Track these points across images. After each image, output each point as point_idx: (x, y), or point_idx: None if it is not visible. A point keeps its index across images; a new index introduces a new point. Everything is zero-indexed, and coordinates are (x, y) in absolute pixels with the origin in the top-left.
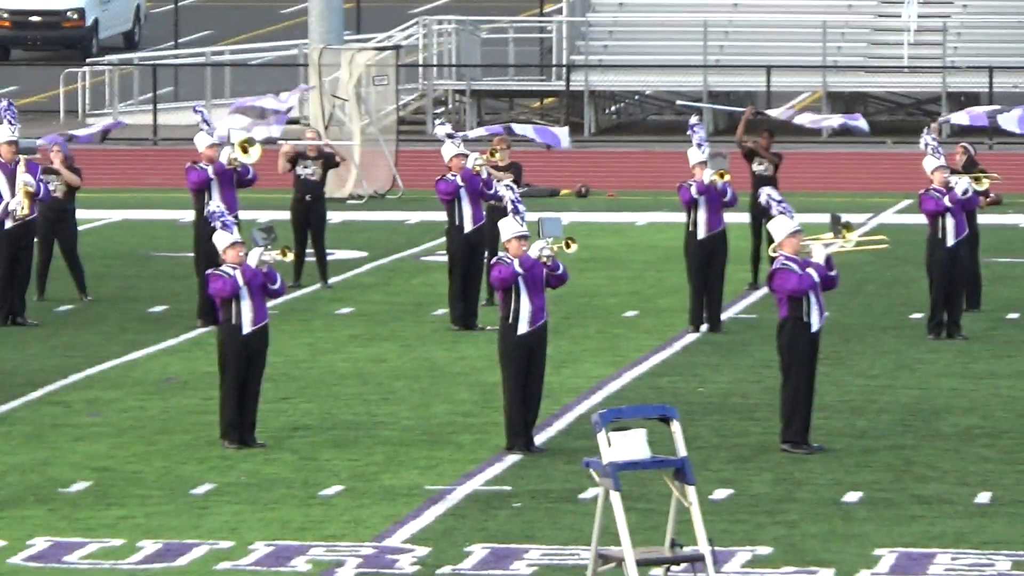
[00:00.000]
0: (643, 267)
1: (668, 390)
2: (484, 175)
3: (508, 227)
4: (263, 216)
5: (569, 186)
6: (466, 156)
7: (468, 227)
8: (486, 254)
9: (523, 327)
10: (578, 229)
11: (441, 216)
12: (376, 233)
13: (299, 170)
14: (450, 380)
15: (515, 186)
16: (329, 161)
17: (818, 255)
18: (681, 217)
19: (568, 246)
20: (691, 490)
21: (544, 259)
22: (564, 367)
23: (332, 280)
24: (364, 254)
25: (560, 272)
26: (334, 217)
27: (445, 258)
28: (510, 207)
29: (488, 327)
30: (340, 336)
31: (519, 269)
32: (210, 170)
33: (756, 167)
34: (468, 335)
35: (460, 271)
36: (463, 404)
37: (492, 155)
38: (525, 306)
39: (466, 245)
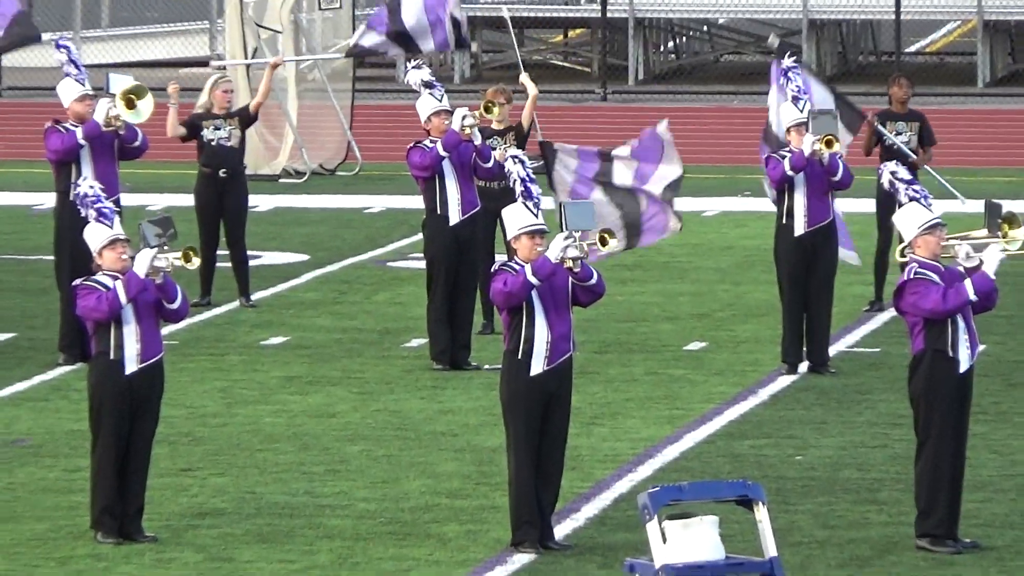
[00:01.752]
0: (713, 278)
1: (750, 458)
2: (478, 141)
3: (515, 218)
4: (157, 202)
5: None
6: (451, 113)
7: (455, 217)
8: (482, 257)
9: (538, 365)
10: None
11: (417, 201)
12: (322, 227)
13: (207, 134)
14: (429, 444)
15: (525, 158)
16: (246, 117)
17: (966, 259)
18: (769, 204)
19: (604, 243)
20: None
21: (569, 264)
22: (598, 424)
23: (256, 295)
24: (304, 257)
25: (593, 283)
26: (260, 203)
27: (423, 263)
28: (518, 189)
29: (486, 365)
30: (268, 378)
31: (532, 279)
32: (79, 133)
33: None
34: (456, 377)
35: (445, 283)
36: (448, 479)
37: (488, 111)
38: (541, 334)
39: (453, 244)
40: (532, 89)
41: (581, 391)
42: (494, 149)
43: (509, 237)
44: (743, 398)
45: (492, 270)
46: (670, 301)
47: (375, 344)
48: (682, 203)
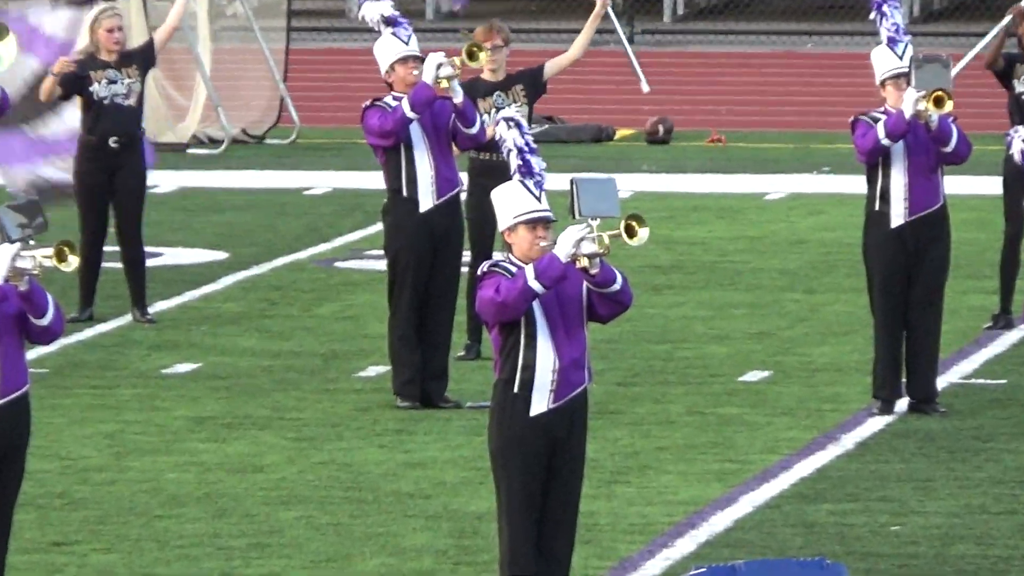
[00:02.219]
0: (779, 283)
1: (829, 529)
2: (458, 99)
3: (510, 202)
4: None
5: (633, 121)
6: (421, 61)
7: (427, 201)
8: (465, 256)
9: (540, 401)
10: (650, 205)
11: (375, 179)
12: (246, 214)
13: (98, 90)
14: (392, 508)
15: (522, 119)
16: (149, 56)
17: None
18: (855, 184)
19: (631, 234)
20: None
21: (585, 264)
22: (622, 482)
23: (156, 307)
24: (221, 255)
25: (616, 289)
26: (162, 181)
27: (383, 263)
28: (514, 161)
29: (469, 403)
30: (172, 420)
31: (534, 285)
32: None
33: (1022, 87)
34: (429, 418)
35: (413, 289)
36: (417, 556)
37: (472, 58)
38: (546, 360)
39: (425, 237)
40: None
41: (599, 437)
42: (491, 112)
43: (502, 227)
44: (819, 447)
45: (479, 272)
46: (720, 315)
47: (317, 373)
48: (736, 182)
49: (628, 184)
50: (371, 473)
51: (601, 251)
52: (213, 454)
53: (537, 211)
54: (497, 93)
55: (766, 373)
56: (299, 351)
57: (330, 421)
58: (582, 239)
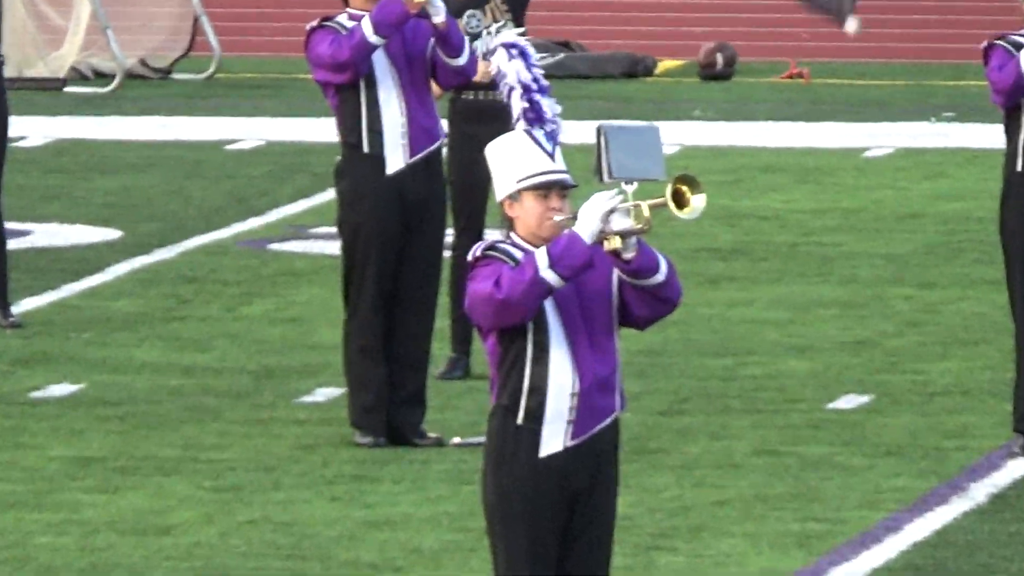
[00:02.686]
0: (883, 273)
1: None
2: (439, 18)
3: (513, 159)
4: None
5: (681, 49)
6: None
7: (397, 159)
8: (449, 235)
9: (554, 436)
10: (704, 164)
11: (324, 129)
12: (146, 177)
13: None
14: None
15: (526, 46)
16: None
17: None
18: (989, 135)
19: (680, 204)
20: None
21: (616, 247)
22: (667, 548)
23: (20, 306)
24: (114, 234)
25: (660, 280)
26: (30, 131)
27: (335, 246)
28: (518, 104)
29: (456, 438)
30: (44, 461)
31: (547, 276)
32: None
33: None
34: (398, 459)
35: (377, 282)
36: None
37: None
38: (562, 379)
39: (392, 210)
40: None
41: (635, 486)
42: (479, 32)
43: (501, 196)
44: (940, 500)
45: (471, 258)
46: (801, 317)
47: (246, 398)
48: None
49: (674, 135)
50: (320, 536)
51: (639, 227)
52: (101, 509)
53: (549, 172)
54: (469, 13)
55: (865, 398)
56: (220, 367)
57: (263, 464)
58: (612, 211)
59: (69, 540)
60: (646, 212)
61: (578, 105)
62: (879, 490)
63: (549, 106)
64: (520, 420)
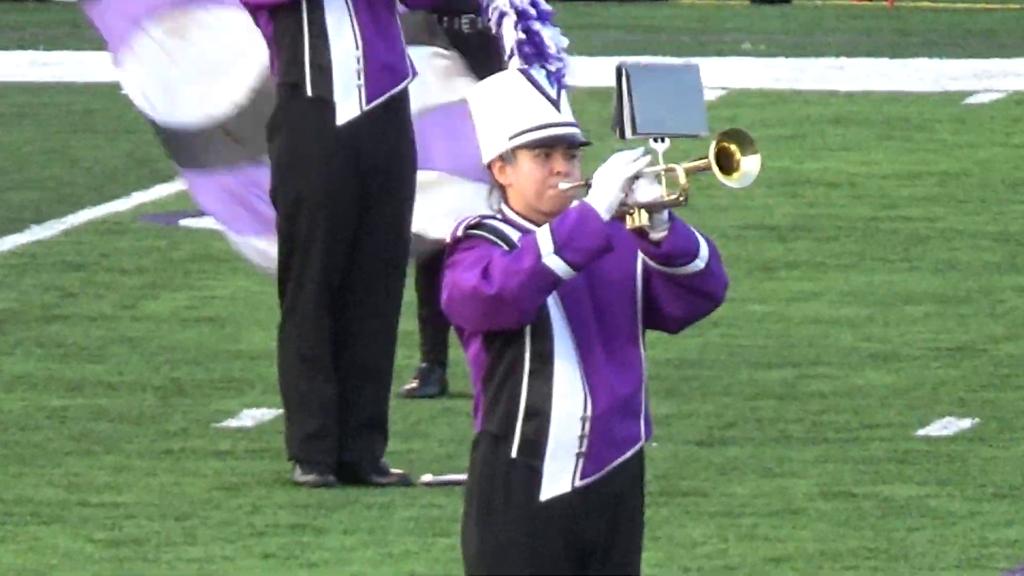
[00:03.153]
0: (991, 257)
1: None
2: None
3: (505, 107)
4: None
5: None
6: None
7: (350, 105)
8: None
9: (558, 475)
10: (755, 115)
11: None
12: (18, 132)
13: None
14: None
15: None
16: None
17: None
18: None
19: (727, 167)
20: None
21: (639, 221)
22: None
23: None
24: None
25: (699, 265)
26: None
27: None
28: (510, 35)
29: (426, 476)
30: None
31: (551, 262)
32: None
33: None
34: (351, 503)
35: (322, 270)
36: None
37: None
38: (569, 396)
39: (344, 172)
40: None
41: (665, 539)
42: None
43: (489, 156)
44: None
45: (449, 239)
46: (883, 315)
47: (150, 423)
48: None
49: (717, 76)
50: None
51: (673, 198)
52: None
53: (553, 125)
54: None
55: (966, 423)
56: (116, 382)
57: (173, 510)
58: (637, 177)
59: None
60: (682, 179)
61: (591, 37)
62: (985, 543)
63: (552, 38)
64: (514, 453)
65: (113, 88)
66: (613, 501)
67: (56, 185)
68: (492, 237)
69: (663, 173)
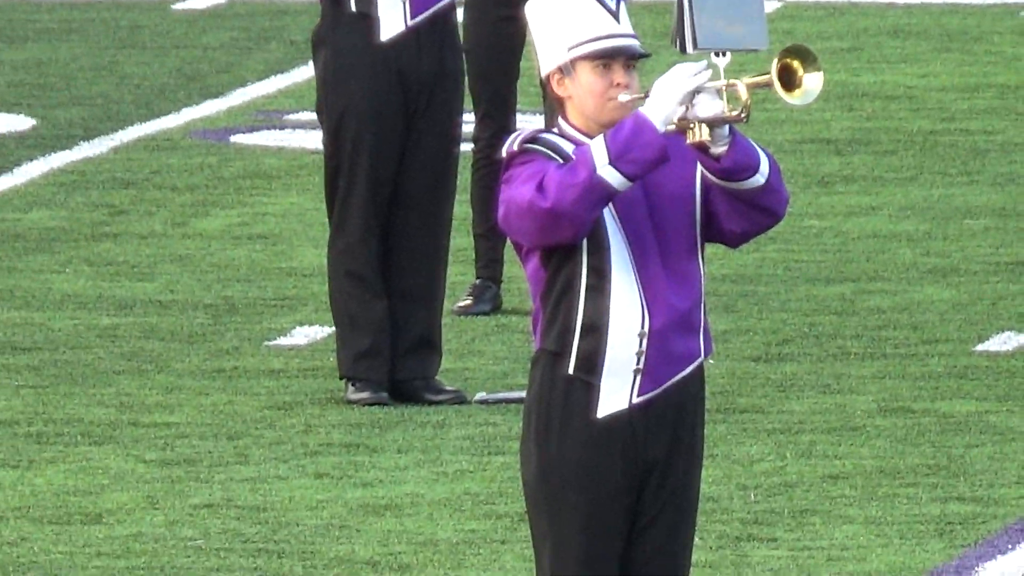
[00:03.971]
0: None
1: None
2: None
3: (563, 18)
4: None
5: None
6: None
7: (395, 21)
8: (469, 121)
9: (617, 391)
10: (812, 27)
11: None
12: (66, 47)
13: None
14: None
15: None
16: None
17: None
18: None
19: (789, 84)
20: None
21: (699, 136)
22: (763, 539)
23: None
24: (25, 123)
25: (760, 181)
26: None
27: (316, 137)
28: None
29: (481, 393)
30: None
31: (606, 173)
32: None
33: None
34: (404, 422)
35: (369, 186)
36: None
37: None
38: (627, 312)
39: (389, 89)
40: None
41: (722, 457)
42: None
43: (547, 68)
44: None
45: (505, 153)
46: (943, 231)
47: (201, 341)
48: None
49: None
50: (302, 525)
51: (735, 115)
52: (10, 491)
53: (613, 36)
54: None
55: None
56: (167, 301)
57: (225, 429)
58: (698, 92)
59: None
60: (744, 94)
61: None
62: None
63: None
64: (571, 369)
65: (161, 3)
66: (672, 418)
67: (104, 102)
68: (547, 151)
69: (724, 88)
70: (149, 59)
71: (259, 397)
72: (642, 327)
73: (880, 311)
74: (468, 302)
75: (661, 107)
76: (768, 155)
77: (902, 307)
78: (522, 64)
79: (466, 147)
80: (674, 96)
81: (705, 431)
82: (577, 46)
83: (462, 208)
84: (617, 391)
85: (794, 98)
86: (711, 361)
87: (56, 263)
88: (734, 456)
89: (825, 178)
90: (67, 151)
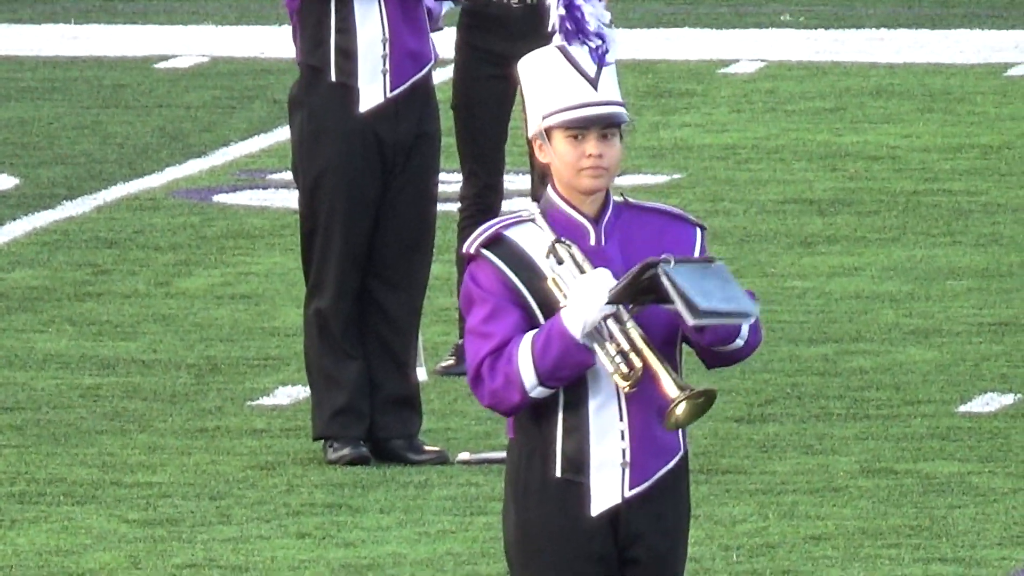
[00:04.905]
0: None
1: None
2: None
3: (544, 86)
4: None
5: None
6: None
7: (374, 93)
8: (455, 181)
9: (606, 490)
10: (794, 87)
11: (286, 41)
12: (51, 107)
13: None
14: None
15: None
16: None
17: None
18: None
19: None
20: None
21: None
22: None
23: None
24: (9, 182)
25: (738, 344)
26: None
27: (289, 200)
28: (552, 10)
29: (463, 455)
30: None
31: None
32: None
33: None
34: (387, 482)
35: (344, 247)
36: None
37: None
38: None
39: (366, 154)
40: None
41: (706, 517)
42: None
43: (530, 134)
44: None
45: (464, 251)
46: (925, 290)
47: (184, 401)
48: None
49: (755, 48)
50: None
51: (621, 382)
52: None
53: (586, 105)
54: None
55: (1009, 398)
56: (150, 360)
57: (207, 489)
58: (599, 307)
59: None
60: (636, 364)
61: (631, 9)
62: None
63: (594, 14)
64: (548, 470)
65: (144, 62)
66: (652, 512)
67: (87, 161)
68: (500, 265)
69: (627, 346)
70: (132, 118)
71: (242, 457)
72: (619, 414)
73: (862, 372)
74: (451, 362)
75: (578, 322)
76: (752, 305)
77: (884, 368)
78: (506, 125)
79: (453, 206)
80: (592, 312)
81: (692, 507)
82: (550, 115)
83: (445, 268)
84: (607, 488)
85: (669, 421)
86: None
87: (39, 323)
88: (716, 516)
89: (808, 238)
90: (50, 210)
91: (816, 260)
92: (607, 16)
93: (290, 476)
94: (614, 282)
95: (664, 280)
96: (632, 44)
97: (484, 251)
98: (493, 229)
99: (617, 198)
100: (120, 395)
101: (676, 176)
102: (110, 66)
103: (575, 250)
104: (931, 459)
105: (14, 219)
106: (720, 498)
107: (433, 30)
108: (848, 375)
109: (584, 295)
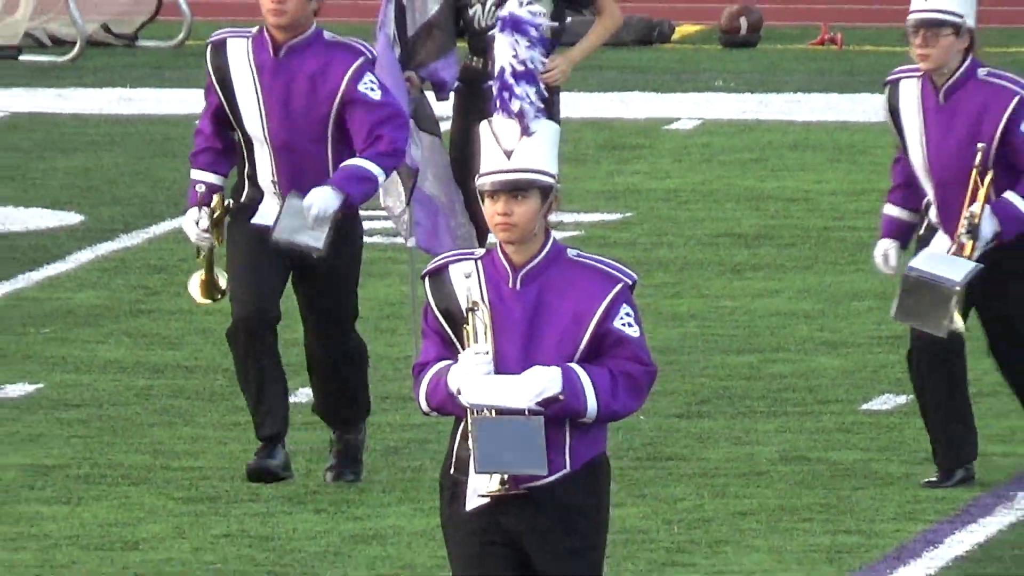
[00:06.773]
0: None
1: None
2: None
3: (481, 152)
4: None
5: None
6: None
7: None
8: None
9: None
10: (727, 142)
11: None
12: (110, 156)
13: None
14: None
15: (530, 19)
16: None
17: None
18: None
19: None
20: None
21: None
22: (684, 565)
23: None
24: (74, 218)
25: (590, 419)
26: None
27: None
28: (495, 88)
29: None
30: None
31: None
32: None
33: None
34: (386, 467)
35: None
36: None
37: None
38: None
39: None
40: None
41: (650, 496)
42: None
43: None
44: (985, 511)
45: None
46: (832, 309)
47: (221, 399)
48: (861, 104)
49: (693, 108)
50: (302, 552)
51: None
52: (62, 522)
53: (495, 172)
54: None
55: (903, 399)
56: (192, 366)
57: (240, 472)
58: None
59: (27, 556)
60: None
61: (589, 76)
62: (917, 500)
63: (525, 94)
64: (452, 469)
65: (187, 119)
66: (524, 523)
67: (141, 201)
68: (430, 299)
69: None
70: (178, 165)
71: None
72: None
73: (782, 376)
74: None
75: (457, 383)
76: (608, 386)
77: (800, 373)
78: None
79: None
80: (467, 385)
81: (636, 477)
82: (477, 179)
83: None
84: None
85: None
86: (640, 418)
87: (100, 335)
88: (660, 496)
89: (736, 266)
90: (110, 242)
91: (743, 284)
92: (536, 100)
93: (307, 462)
94: (490, 367)
95: (471, 429)
96: (591, 105)
97: (426, 281)
98: (442, 261)
99: (571, 251)
100: (168, 395)
101: (628, 215)
102: (160, 122)
103: (485, 317)
104: (838, 449)
105: (80, 249)
106: (663, 481)
107: (441, 99)
108: (770, 379)
109: (465, 369)
